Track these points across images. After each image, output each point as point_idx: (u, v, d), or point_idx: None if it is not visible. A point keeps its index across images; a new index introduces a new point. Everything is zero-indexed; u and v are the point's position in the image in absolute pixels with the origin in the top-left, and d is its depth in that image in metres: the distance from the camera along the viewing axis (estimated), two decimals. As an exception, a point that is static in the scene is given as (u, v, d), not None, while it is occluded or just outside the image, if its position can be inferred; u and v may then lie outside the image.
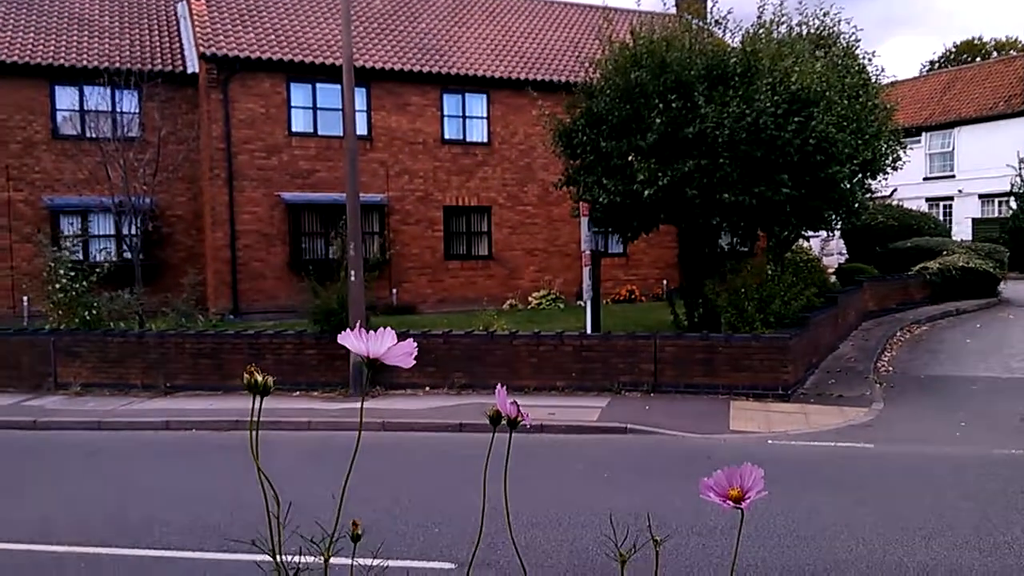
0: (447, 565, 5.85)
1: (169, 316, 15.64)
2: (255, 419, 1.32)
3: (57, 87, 19.09)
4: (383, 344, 1.34)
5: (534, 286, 21.76)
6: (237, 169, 18.81)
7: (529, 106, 18.29)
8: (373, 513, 6.76)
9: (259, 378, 1.36)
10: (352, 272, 12.88)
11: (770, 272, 15.07)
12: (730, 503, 1.34)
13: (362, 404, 13.11)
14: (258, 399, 1.35)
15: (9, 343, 14.11)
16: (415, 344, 1.35)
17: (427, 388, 13.22)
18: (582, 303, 15.53)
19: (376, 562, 1.51)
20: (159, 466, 9.76)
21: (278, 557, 1.34)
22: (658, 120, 13.04)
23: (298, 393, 13.17)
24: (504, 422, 1.55)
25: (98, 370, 13.73)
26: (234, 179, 18.78)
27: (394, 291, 20.27)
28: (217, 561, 6.16)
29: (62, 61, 18.95)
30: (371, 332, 1.33)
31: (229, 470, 9.17)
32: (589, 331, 14.26)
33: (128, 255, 17.29)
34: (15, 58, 18.62)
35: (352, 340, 1.34)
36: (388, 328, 1.36)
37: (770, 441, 10.17)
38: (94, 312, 14.24)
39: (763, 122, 12.56)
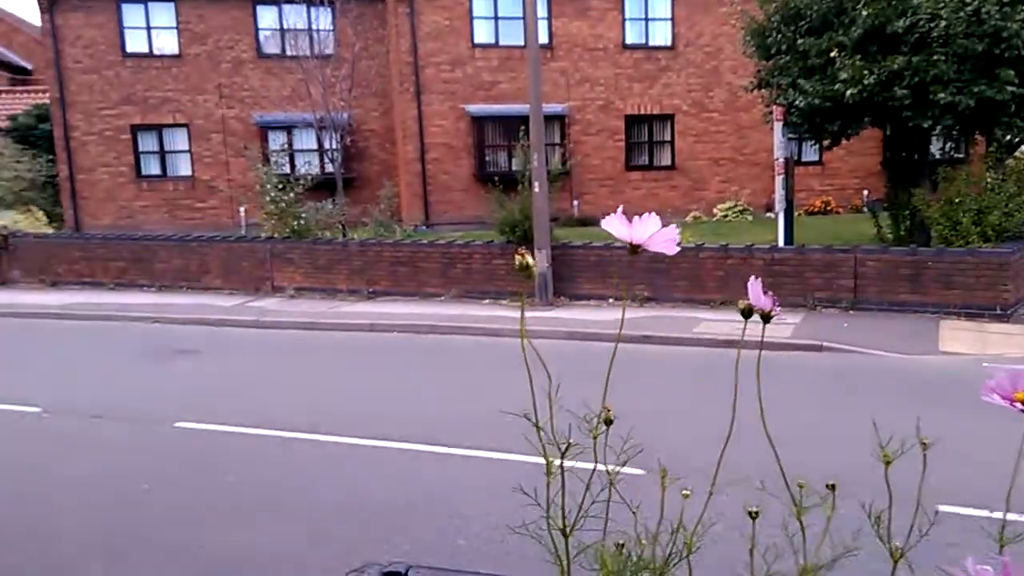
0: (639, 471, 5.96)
1: (368, 226, 16.63)
2: (521, 327, 1.37)
3: (259, 7, 20.25)
4: (646, 230, 1.34)
5: (719, 197, 21.01)
6: (424, 83, 19.30)
7: (716, 4, 17.25)
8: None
9: (529, 260, 1.42)
10: (536, 183, 12.99)
11: (989, 181, 13.61)
12: (1019, 405, 1.25)
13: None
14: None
15: (232, 250, 15.62)
16: (677, 229, 1.34)
17: (610, 300, 13.29)
18: (772, 215, 14.85)
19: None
20: (370, 363, 10.58)
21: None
22: (864, 12, 11.94)
23: (487, 301, 13.68)
24: (757, 316, 1.51)
25: (308, 275, 14.94)
26: (422, 93, 19.31)
27: (575, 203, 20.30)
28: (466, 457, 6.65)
29: (263, -18, 20.03)
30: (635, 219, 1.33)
31: (439, 368, 9.79)
32: (781, 244, 13.63)
33: (330, 168, 18.40)
34: (222, -19, 19.92)
35: (616, 225, 1.34)
36: (653, 214, 1.35)
37: (985, 364, 9.39)
38: (302, 222, 15.37)
39: (986, 11, 11.17)
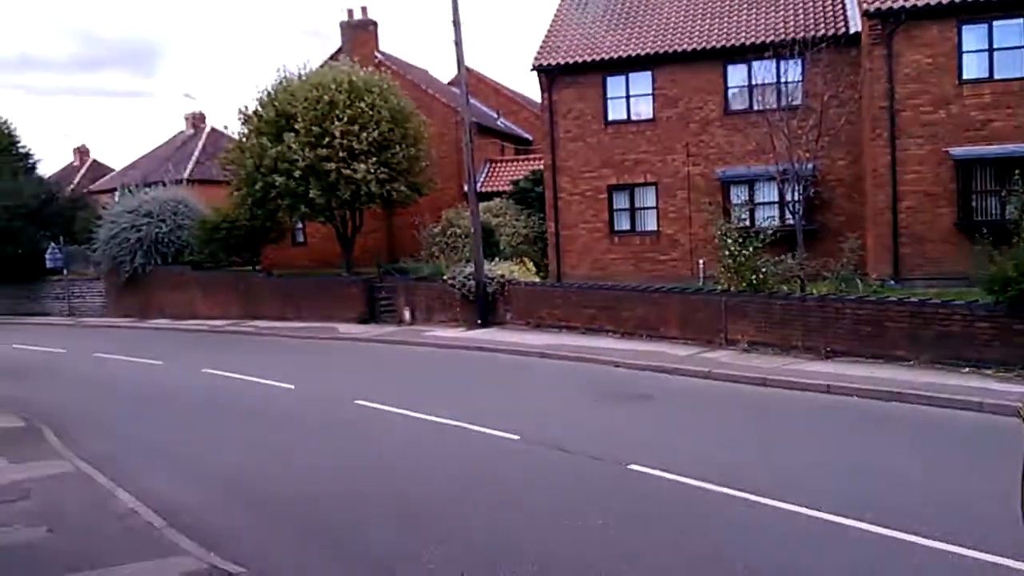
0: None
1: (829, 280, 15.88)
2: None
3: (729, 66, 20.88)
4: None
5: None
6: (900, 127, 17.85)
7: None
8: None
9: None
10: (1040, 235, 11.06)
11: None
12: None
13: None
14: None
15: (688, 301, 16.24)
16: None
17: None
18: None
19: None
20: (830, 429, 10.07)
21: None
22: None
23: (967, 370, 11.99)
24: None
25: (762, 329, 14.79)
26: (896, 138, 17.88)
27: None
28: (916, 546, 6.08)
29: (733, 41, 20.65)
30: None
31: (900, 444, 8.95)
32: None
33: (790, 220, 18.04)
34: (693, 45, 21.03)
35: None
36: None
37: None
38: (760, 275, 15.30)
39: None
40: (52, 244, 30.14)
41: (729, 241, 15.62)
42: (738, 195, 20.67)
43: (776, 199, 19.75)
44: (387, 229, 28.83)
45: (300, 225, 29.38)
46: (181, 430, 11.37)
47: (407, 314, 21.87)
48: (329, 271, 26.71)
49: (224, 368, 15.97)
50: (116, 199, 30.25)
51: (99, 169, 44.38)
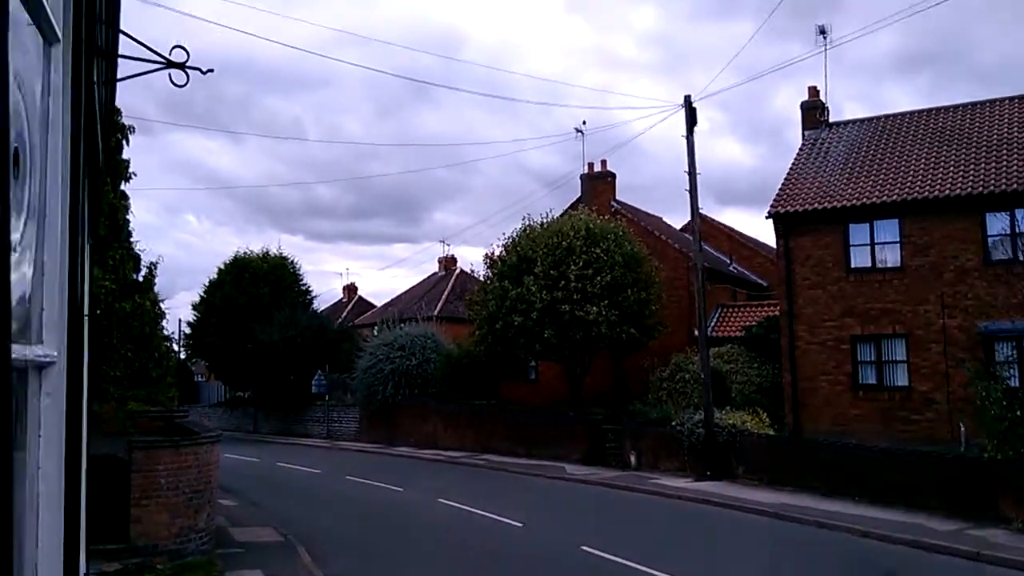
0: None
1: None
2: None
3: (988, 214, 19.49)
4: None
5: None
6: None
7: None
8: None
9: None
10: None
11: None
12: None
13: None
14: None
15: (949, 468, 14.70)
16: None
17: None
18: None
19: None
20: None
21: None
22: None
23: None
24: None
25: (1039, 507, 13.00)
26: None
27: None
28: None
29: (991, 188, 19.33)
30: None
31: None
32: None
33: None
34: (945, 192, 19.94)
35: None
36: None
37: None
38: (1033, 444, 13.62)
39: None
40: (319, 372, 33.78)
41: (993, 400, 14.15)
42: (1003, 352, 18.72)
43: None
44: (615, 370, 29.20)
45: (533, 363, 30.62)
46: (422, 559, 12.05)
47: (632, 458, 21.71)
48: (558, 409, 27.39)
49: (458, 499, 16.75)
50: (375, 333, 33.53)
51: (363, 305, 49.58)
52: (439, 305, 37.90)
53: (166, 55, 6.13)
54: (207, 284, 37.77)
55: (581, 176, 32.49)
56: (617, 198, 32.37)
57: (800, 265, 22.15)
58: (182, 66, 6.13)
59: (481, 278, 28.27)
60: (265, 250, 38.76)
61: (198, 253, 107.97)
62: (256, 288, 36.11)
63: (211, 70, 6.38)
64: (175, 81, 6.11)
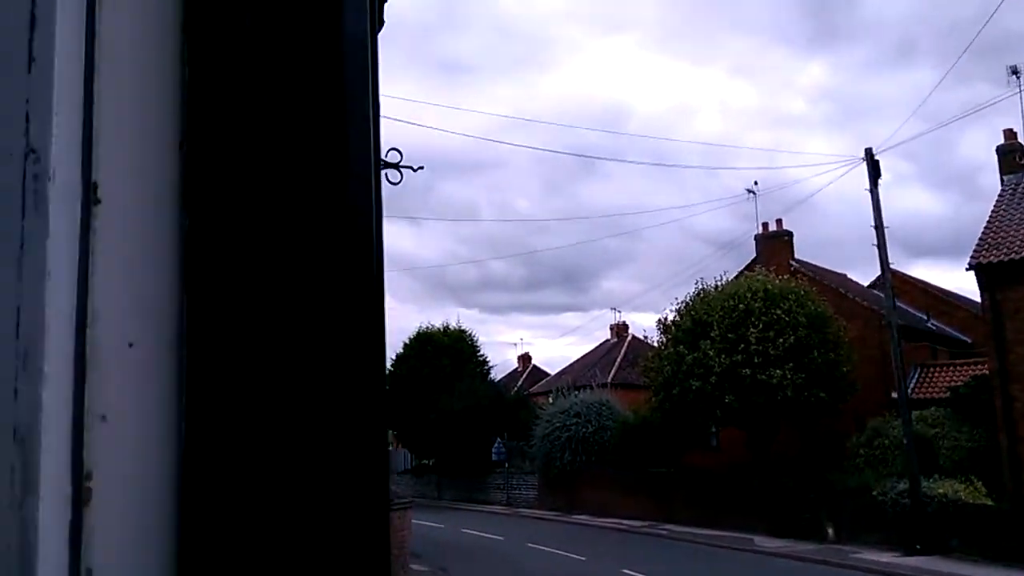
0: None
1: None
2: None
3: None
4: None
5: None
6: None
7: None
8: None
9: None
10: None
11: None
12: None
13: None
14: None
15: None
16: None
17: None
18: None
19: None
20: None
21: None
22: None
23: None
24: None
25: None
26: None
27: None
28: None
29: None
30: None
31: None
32: None
33: None
34: None
35: None
36: None
37: None
38: None
39: None
40: (497, 439, 34.48)
41: None
42: None
43: None
44: (803, 436, 27.68)
45: (713, 430, 29.66)
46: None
47: (830, 531, 20.34)
48: (742, 477, 26.26)
49: (642, 570, 16.41)
50: (551, 401, 33.91)
51: (537, 374, 50.29)
52: (612, 372, 37.79)
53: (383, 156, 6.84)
54: (394, 358, 39.89)
55: (756, 237, 31.73)
56: (796, 257, 31.24)
57: (1010, 319, 20.31)
58: (396, 165, 6.77)
59: (655, 344, 28.01)
60: (446, 324, 40.58)
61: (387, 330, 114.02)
62: (438, 360, 37.71)
63: (421, 167, 7.01)
64: (390, 180, 6.76)
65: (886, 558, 17.40)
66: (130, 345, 0.64)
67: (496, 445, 34.35)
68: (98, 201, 0.65)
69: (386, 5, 1.00)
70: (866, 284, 34.06)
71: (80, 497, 0.60)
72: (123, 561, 0.61)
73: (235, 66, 0.67)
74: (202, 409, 0.64)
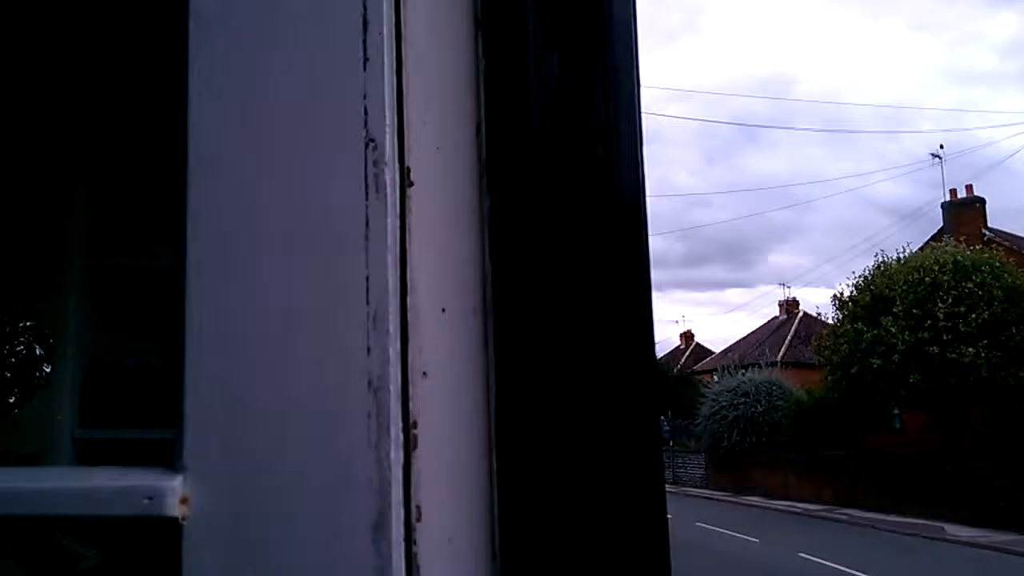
0: None
1: None
2: None
3: None
4: None
5: None
6: None
7: None
8: None
9: None
10: None
11: None
12: None
13: None
14: None
15: None
16: None
17: None
18: None
19: None
20: None
21: None
22: None
23: None
24: None
25: None
26: None
27: None
28: None
29: None
30: None
31: None
32: None
33: None
34: None
35: None
36: None
37: None
38: None
39: None
40: (662, 418, 34.16)
41: None
42: None
43: None
44: (1001, 419, 25.43)
45: (896, 411, 27.87)
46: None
47: (1034, 522, 18.64)
48: (930, 462, 24.52)
49: (823, 556, 15.77)
50: (716, 379, 33.13)
51: (701, 352, 49.29)
52: (782, 350, 36.36)
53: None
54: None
55: (942, 204, 29.34)
56: (990, 226, 28.61)
57: None
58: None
59: (828, 321, 26.64)
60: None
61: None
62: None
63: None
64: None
65: (1104, 554, 15.76)
66: (443, 311, 0.72)
67: (660, 423, 34.07)
68: (411, 184, 0.73)
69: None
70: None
71: (409, 442, 0.69)
72: (445, 501, 0.69)
73: (524, 56, 0.73)
74: (505, 368, 0.71)
